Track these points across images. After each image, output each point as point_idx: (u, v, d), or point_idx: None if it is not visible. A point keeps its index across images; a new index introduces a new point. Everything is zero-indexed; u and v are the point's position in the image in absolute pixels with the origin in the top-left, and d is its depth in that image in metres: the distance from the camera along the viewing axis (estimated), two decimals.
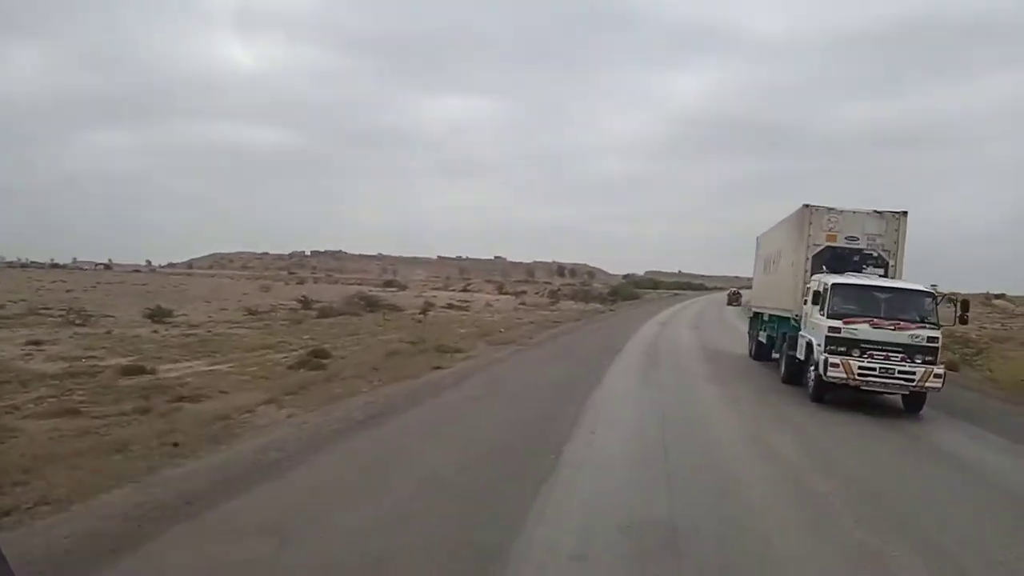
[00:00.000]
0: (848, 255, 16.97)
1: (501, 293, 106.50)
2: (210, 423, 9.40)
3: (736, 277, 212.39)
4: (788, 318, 17.86)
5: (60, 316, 40.20)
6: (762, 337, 22.30)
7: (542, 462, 8.26)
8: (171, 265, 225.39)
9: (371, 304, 55.15)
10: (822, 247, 17.12)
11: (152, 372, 20.71)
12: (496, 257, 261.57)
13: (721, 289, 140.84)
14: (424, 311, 50.85)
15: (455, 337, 28.64)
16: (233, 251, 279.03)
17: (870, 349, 14.04)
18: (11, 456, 7.67)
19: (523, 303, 76.80)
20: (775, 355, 20.54)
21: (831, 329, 14.38)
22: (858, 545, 6.27)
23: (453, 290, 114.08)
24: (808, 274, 16.87)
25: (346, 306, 53.16)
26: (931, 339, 14.10)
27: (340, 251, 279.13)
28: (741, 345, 26.63)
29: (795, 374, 16.76)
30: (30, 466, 7.14)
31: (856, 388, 14.33)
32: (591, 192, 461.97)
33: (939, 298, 14.96)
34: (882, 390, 14.36)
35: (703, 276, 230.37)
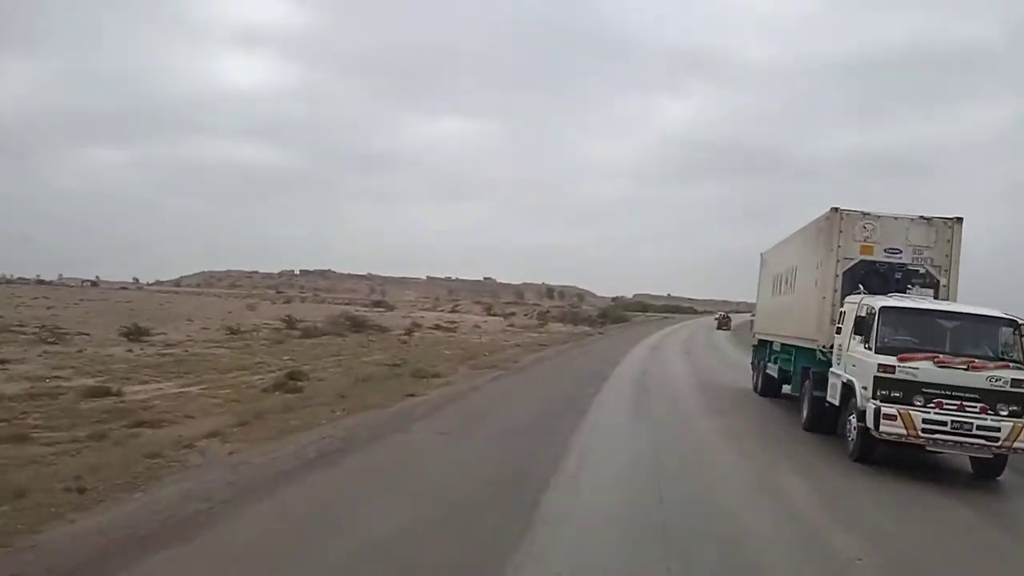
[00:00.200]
0: (888, 272, 13.93)
1: (489, 314, 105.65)
2: (137, 462, 8.19)
3: (725, 301, 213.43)
4: (810, 350, 14.74)
5: (33, 334, 39.15)
6: (772, 370, 18.84)
7: (513, 521, 6.95)
8: (159, 283, 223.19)
9: (356, 324, 54.20)
10: (855, 261, 13.99)
11: (118, 394, 19.79)
12: (485, 278, 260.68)
13: (710, 312, 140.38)
14: (409, 332, 49.77)
15: (439, 360, 27.61)
16: (222, 269, 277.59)
17: (936, 395, 10.84)
18: None
19: (511, 325, 76.04)
20: (787, 390, 17.98)
21: (882, 368, 11.09)
22: None
23: (441, 311, 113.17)
24: (838, 294, 13.91)
25: (330, 326, 52.19)
26: (1018, 382, 10.89)
27: (329, 270, 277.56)
28: (738, 374, 24.22)
29: (822, 420, 13.76)
30: None
31: (920, 448, 11.12)
32: (581, 214, 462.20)
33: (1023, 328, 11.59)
34: (955, 451, 11.14)
35: (692, 300, 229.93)
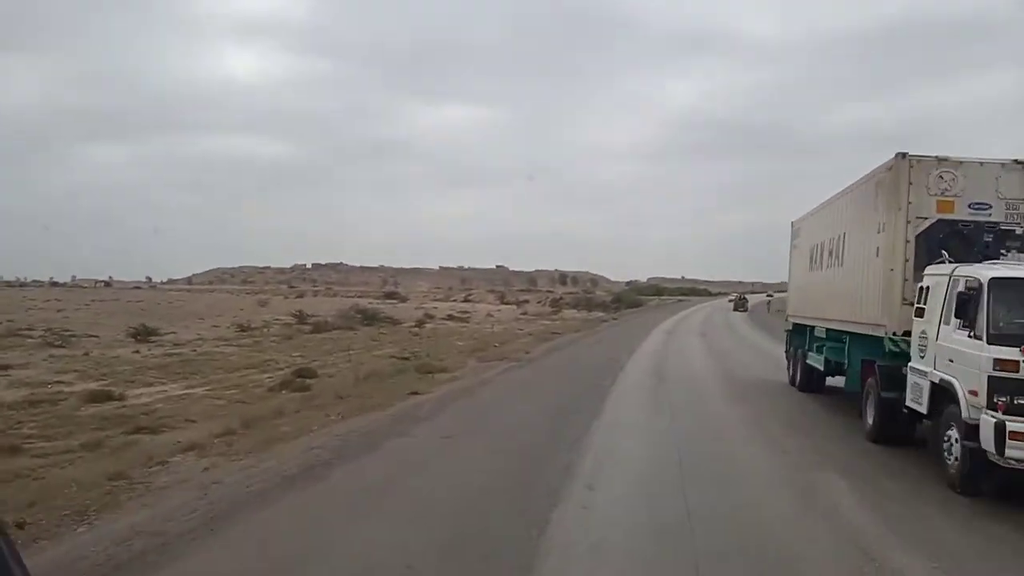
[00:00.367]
0: (975, 233, 10.82)
1: (503, 303, 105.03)
2: (98, 485, 7.30)
3: (740, 282, 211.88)
4: (873, 338, 11.68)
5: (40, 337, 38.82)
6: (814, 360, 15.70)
7: (520, 545, 5.93)
8: (171, 281, 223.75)
9: (368, 317, 53.75)
10: (931, 222, 10.93)
11: (120, 398, 19.36)
12: (498, 266, 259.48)
13: (724, 294, 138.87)
14: (421, 324, 49.10)
15: (450, 351, 27.16)
16: (235, 266, 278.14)
17: None
18: None
19: (525, 313, 75.42)
20: (833, 381, 15.50)
21: (1000, 364, 8.18)
22: None
23: (454, 301, 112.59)
24: (910, 265, 10.89)
25: (342, 320, 51.75)
26: None
27: (342, 263, 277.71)
28: (765, 363, 21.70)
29: (894, 429, 11.00)
30: None
31: None
32: (592, 199, 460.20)
33: None
34: None
35: (707, 281, 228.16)
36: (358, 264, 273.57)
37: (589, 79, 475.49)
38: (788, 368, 18.56)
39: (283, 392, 18.18)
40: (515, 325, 49.09)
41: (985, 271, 9.19)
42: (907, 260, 10.93)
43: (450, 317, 62.48)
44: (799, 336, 17.53)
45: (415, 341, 36.47)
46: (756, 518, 7.24)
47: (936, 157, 11.10)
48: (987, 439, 7.95)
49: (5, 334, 40.68)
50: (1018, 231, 10.85)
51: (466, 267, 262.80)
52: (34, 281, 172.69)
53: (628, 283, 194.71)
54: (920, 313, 10.17)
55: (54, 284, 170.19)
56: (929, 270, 10.36)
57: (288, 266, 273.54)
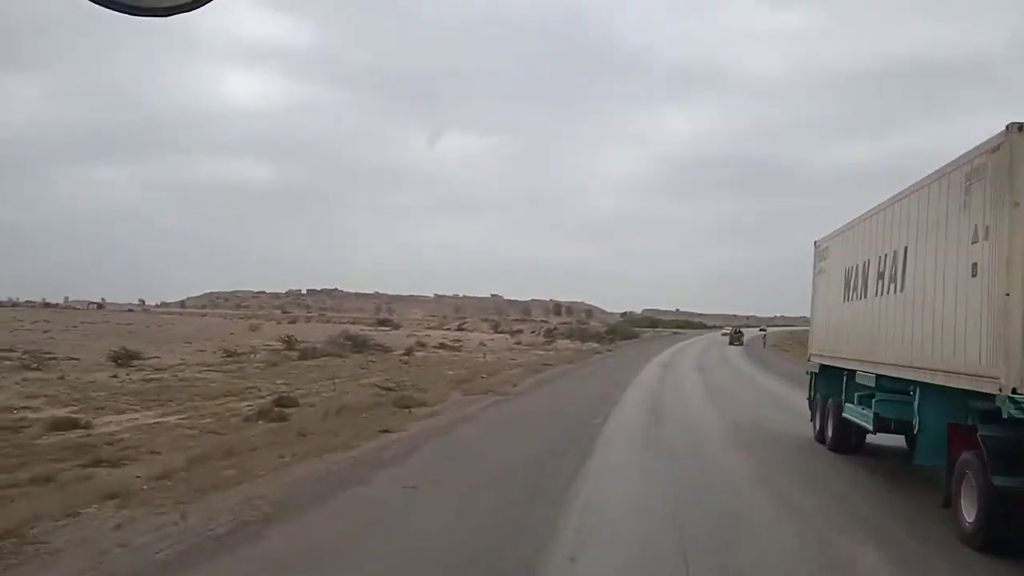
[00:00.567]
0: None
1: (496, 332, 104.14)
2: None
3: (734, 315, 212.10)
4: (970, 393, 8.26)
5: (17, 359, 37.91)
6: (854, 414, 12.17)
7: None
8: (164, 304, 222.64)
9: (357, 344, 52.95)
10: None
11: (86, 426, 18.66)
12: (493, 295, 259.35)
13: (719, 327, 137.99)
14: (409, 352, 48.25)
15: (437, 381, 26.17)
16: (229, 290, 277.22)
17: None
18: None
19: (518, 342, 74.62)
20: (870, 437, 12.30)
21: None
22: None
23: (448, 329, 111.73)
24: None
25: (331, 347, 50.93)
26: None
27: (336, 289, 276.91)
28: (775, 410, 19.29)
29: (1010, 529, 7.40)
30: None
31: None
32: (588, 230, 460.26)
33: None
34: None
35: (701, 315, 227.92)
36: (353, 291, 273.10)
37: (587, 112, 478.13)
38: (813, 421, 14.66)
39: (259, 422, 17.39)
40: (507, 355, 48.21)
41: None
42: None
43: (442, 346, 61.81)
44: (829, 382, 13.94)
45: (403, 370, 35.69)
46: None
47: None
48: None
49: None
50: None
51: (461, 295, 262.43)
52: (27, 302, 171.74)
53: (623, 314, 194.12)
54: None
55: (46, 305, 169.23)
56: None
57: (283, 291, 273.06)
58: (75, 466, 12.58)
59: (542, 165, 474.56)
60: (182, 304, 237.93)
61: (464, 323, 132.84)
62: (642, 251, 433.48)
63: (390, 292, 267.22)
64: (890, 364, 10.57)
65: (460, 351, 55.96)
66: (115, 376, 32.81)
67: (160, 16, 2.00)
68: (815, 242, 15.86)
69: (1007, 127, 7.69)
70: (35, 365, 35.68)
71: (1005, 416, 7.28)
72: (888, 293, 10.95)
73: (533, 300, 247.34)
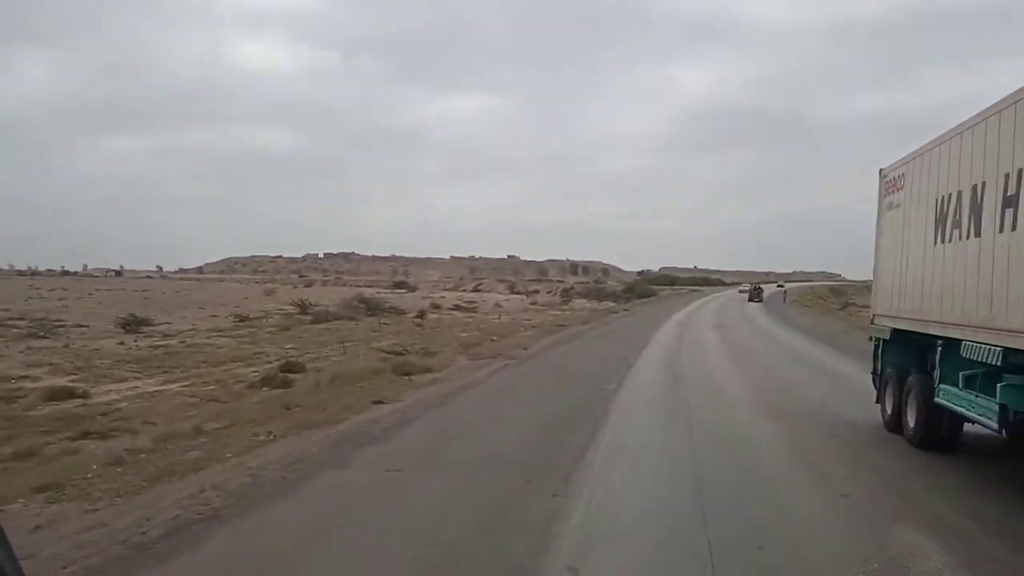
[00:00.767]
0: None
1: (512, 292, 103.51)
2: None
3: (752, 271, 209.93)
4: None
5: (25, 328, 37.64)
6: (951, 400, 9.08)
7: None
8: (182, 271, 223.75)
9: (371, 307, 52.52)
10: None
11: (84, 396, 18.22)
12: (509, 256, 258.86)
13: (737, 283, 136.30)
14: (422, 315, 47.60)
15: (451, 343, 25.35)
16: (247, 255, 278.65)
17: None
18: None
19: (534, 303, 73.95)
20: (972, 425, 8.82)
21: None
22: None
23: (463, 291, 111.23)
24: None
25: (344, 310, 50.53)
26: None
27: (353, 253, 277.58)
28: (810, 375, 16.91)
29: None
30: None
31: None
32: (603, 189, 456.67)
33: None
34: None
35: (719, 271, 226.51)
36: (369, 254, 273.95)
37: (601, 69, 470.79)
38: (881, 403, 11.25)
39: (263, 389, 16.78)
40: (522, 316, 47.46)
41: None
42: None
43: (457, 307, 61.39)
44: (910, 353, 10.76)
45: (415, 333, 35.15)
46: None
47: None
48: None
49: None
50: None
51: (477, 257, 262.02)
52: (47, 270, 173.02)
53: (640, 273, 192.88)
54: None
55: (65, 273, 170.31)
56: None
57: (300, 256, 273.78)
58: (65, 438, 11.97)
59: (556, 125, 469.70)
60: (200, 270, 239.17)
61: (480, 284, 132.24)
62: (658, 208, 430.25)
63: (406, 255, 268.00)
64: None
65: (475, 313, 55.44)
66: (122, 343, 32.53)
67: None
68: (881, 170, 12.33)
69: None
70: (42, 333, 35.37)
71: None
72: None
73: (549, 260, 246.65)
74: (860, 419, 11.23)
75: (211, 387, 19.29)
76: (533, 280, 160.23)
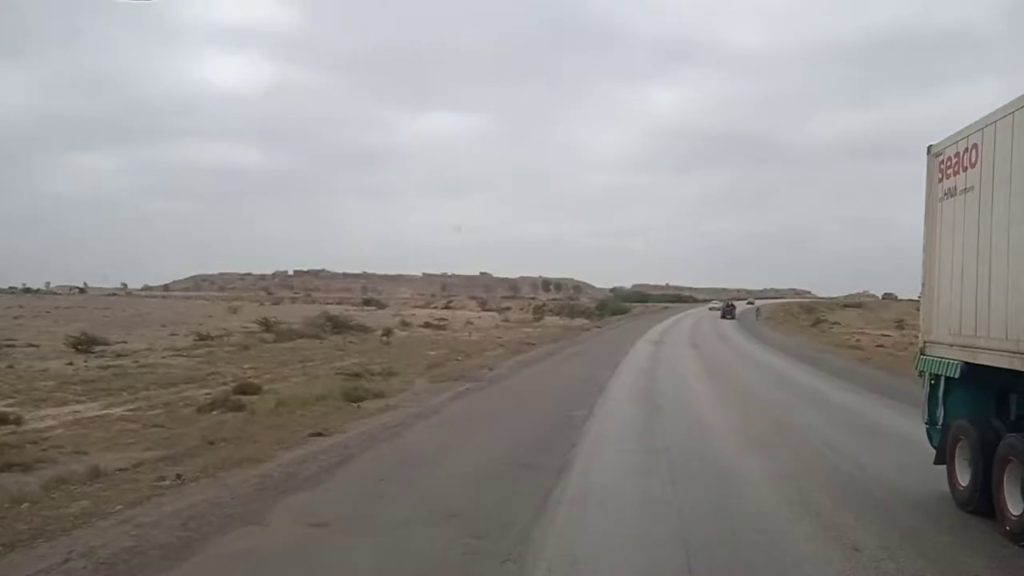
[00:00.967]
0: None
1: (484, 310, 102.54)
2: None
3: (724, 289, 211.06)
4: None
5: None
6: None
7: None
8: (148, 288, 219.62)
9: (337, 325, 51.28)
10: None
11: (15, 422, 16.76)
12: (482, 273, 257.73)
13: (708, 301, 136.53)
14: (388, 333, 46.43)
15: (417, 363, 24.42)
16: (215, 272, 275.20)
17: None
18: None
19: (506, 320, 73.01)
20: None
21: None
22: None
23: (434, 308, 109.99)
24: None
25: (309, 328, 49.20)
26: None
27: (323, 270, 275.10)
28: (794, 403, 15.48)
29: None
30: None
31: None
32: (576, 206, 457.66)
33: None
34: None
35: (691, 288, 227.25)
36: (340, 271, 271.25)
37: (573, 88, 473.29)
38: (950, 469, 8.00)
39: (213, 412, 15.81)
40: (493, 333, 46.56)
41: None
42: None
43: (427, 325, 60.36)
44: (995, 400, 7.85)
45: (382, 351, 34.17)
46: None
47: None
48: None
49: None
50: None
51: (449, 274, 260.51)
52: (9, 288, 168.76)
53: (612, 290, 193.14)
54: None
55: (27, 291, 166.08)
56: None
57: (269, 273, 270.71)
58: None
59: (528, 142, 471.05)
60: (166, 288, 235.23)
61: (451, 301, 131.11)
62: (631, 226, 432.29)
63: (377, 272, 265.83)
64: None
65: (445, 330, 54.49)
66: (70, 363, 30.95)
67: None
68: (930, 147, 9.39)
69: None
70: None
71: None
72: None
73: (522, 277, 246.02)
74: (887, 475, 8.85)
75: (157, 411, 18.14)
76: (505, 297, 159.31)
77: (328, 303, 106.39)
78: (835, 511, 7.13)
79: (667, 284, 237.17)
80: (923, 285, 9.42)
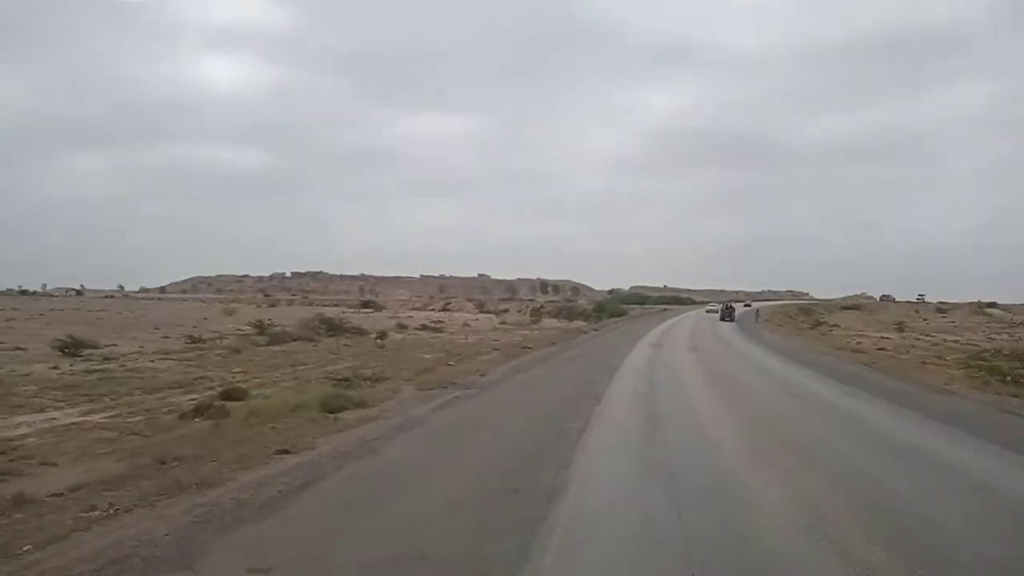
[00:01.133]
0: None
1: (481, 312, 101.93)
2: None
3: (722, 291, 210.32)
4: None
5: None
6: None
7: None
8: (144, 290, 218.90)
9: (332, 328, 50.67)
10: None
11: None
12: (480, 275, 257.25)
13: (705, 302, 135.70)
14: (383, 336, 45.78)
15: (408, 367, 23.64)
16: (212, 274, 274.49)
17: None
18: None
19: (503, 322, 72.39)
20: None
21: None
22: None
23: (432, 310, 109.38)
24: None
25: (303, 331, 48.59)
26: None
27: (321, 272, 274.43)
28: (809, 416, 14.24)
29: None
30: None
31: None
32: (573, 208, 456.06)
33: None
34: None
35: (689, 290, 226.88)
36: (338, 273, 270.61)
37: (569, 89, 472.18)
38: None
39: (195, 420, 15.27)
40: (490, 335, 45.94)
41: None
42: None
43: (424, 327, 59.71)
44: None
45: (376, 355, 33.56)
46: None
47: None
48: None
49: None
50: None
51: (447, 276, 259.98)
52: (6, 290, 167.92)
53: (610, 291, 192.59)
54: None
55: (23, 293, 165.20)
56: None
57: (267, 275, 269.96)
58: None
59: (526, 144, 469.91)
60: (163, 290, 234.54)
61: (449, 303, 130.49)
62: (628, 227, 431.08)
63: (375, 274, 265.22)
64: None
65: (441, 332, 53.89)
66: (55, 367, 30.29)
67: None
68: None
69: None
70: None
71: None
72: None
73: (520, 279, 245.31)
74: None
75: (138, 418, 17.56)
76: (503, 299, 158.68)
77: (326, 305, 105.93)
78: (868, 549, 6.15)
79: (665, 286, 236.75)
80: None
